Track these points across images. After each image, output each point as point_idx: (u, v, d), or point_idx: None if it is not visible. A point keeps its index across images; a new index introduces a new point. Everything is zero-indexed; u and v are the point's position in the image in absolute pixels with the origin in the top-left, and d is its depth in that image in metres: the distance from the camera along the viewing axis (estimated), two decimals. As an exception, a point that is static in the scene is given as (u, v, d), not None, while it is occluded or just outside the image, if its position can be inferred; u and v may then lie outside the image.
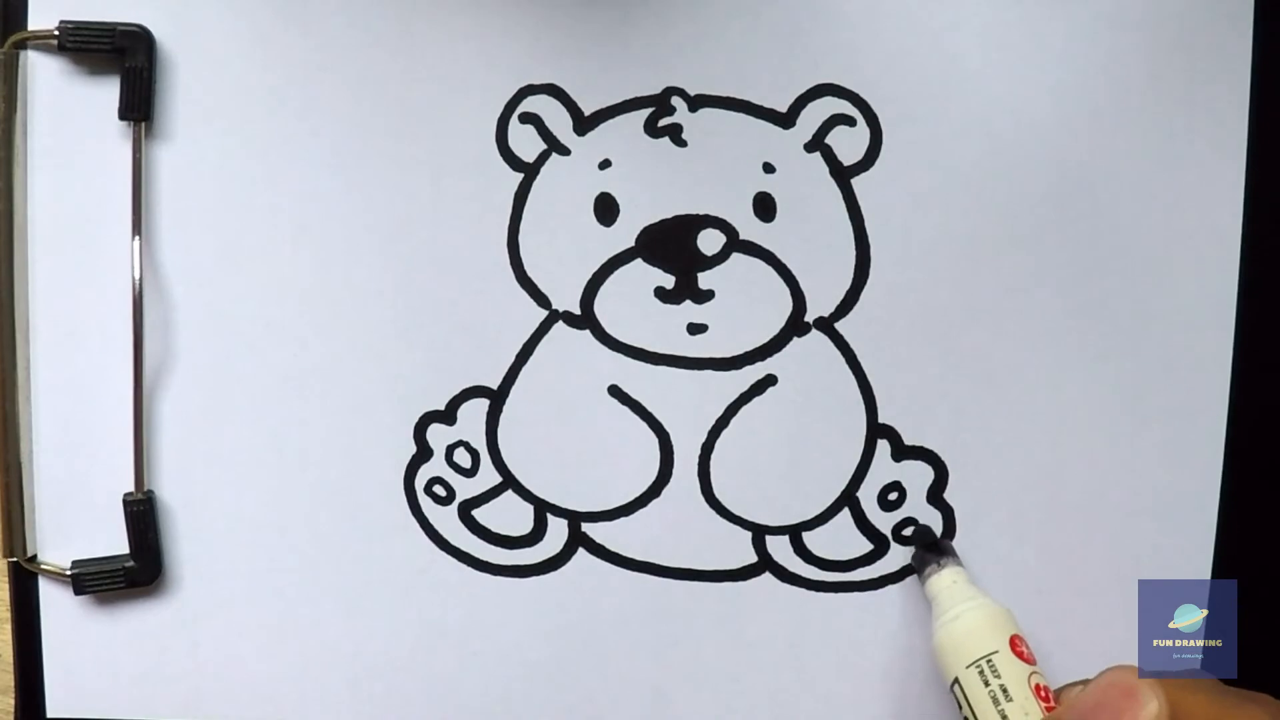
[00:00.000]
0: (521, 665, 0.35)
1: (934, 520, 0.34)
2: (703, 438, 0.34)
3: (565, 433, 0.34)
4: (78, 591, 0.33)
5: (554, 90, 0.33)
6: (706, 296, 0.33)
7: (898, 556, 0.34)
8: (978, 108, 0.33)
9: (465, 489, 0.34)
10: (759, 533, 0.34)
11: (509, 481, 0.34)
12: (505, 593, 0.34)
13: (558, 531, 0.34)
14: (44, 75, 0.33)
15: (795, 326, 0.33)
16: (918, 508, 0.34)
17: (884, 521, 0.34)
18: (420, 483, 0.34)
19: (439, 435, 0.34)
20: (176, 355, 0.34)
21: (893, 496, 0.34)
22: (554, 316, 0.34)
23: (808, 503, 0.34)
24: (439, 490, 0.34)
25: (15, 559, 0.34)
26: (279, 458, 0.34)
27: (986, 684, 0.30)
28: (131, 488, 0.33)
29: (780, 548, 0.34)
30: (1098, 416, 0.33)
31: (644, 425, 0.34)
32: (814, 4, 0.32)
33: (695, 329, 0.33)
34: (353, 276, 0.33)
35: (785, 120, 0.33)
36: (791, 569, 0.34)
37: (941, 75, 0.33)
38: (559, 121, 0.33)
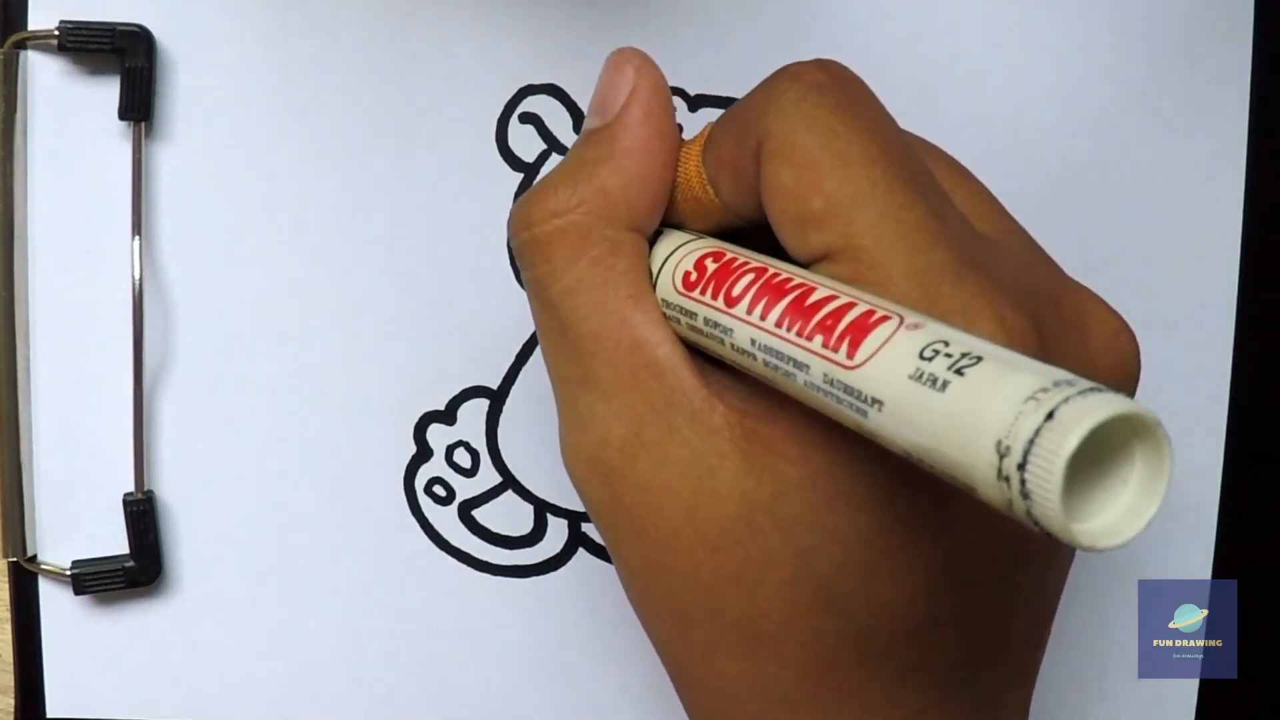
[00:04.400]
0: (521, 665, 0.35)
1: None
2: (703, 438, 0.34)
3: (565, 433, 0.34)
4: (78, 591, 0.33)
5: (554, 90, 0.33)
6: (706, 296, 0.33)
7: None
8: (978, 108, 0.33)
9: (465, 489, 0.34)
10: (759, 533, 0.34)
11: (509, 481, 0.34)
12: (505, 593, 0.34)
13: (558, 531, 0.34)
14: (44, 75, 0.33)
15: (795, 326, 0.33)
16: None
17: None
18: (420, 483, 0.34)
19: (439, 435, 0.34)
20: (176, 355, 0.34)
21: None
22: (554, 316, 0.33)
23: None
24: (439, 490, 0.34)
25: (15, 559, 0.34)
26: (279, 458, 0.34)
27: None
28: (131, 488, 0.33)
29: (780, 548, 0.34)
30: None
31: (644, 425, 0.34)
32: (814, 4, 0.32)
33: (695, 329, 0.33)
34: (353, 276, 0.33)
35: (785, 120, 0.33)
36: (791, 569, 0.34)
37: (941, 75, 0.33)
38: (559, 121, 0.33)
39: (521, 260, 0.23)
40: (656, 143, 0.22)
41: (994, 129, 0.33)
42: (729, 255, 0.21)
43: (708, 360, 0.22)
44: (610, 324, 0.21)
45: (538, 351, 0.34)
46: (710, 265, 0.21)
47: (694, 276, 0.21)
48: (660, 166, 0.22)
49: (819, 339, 0.18)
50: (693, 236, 0.23)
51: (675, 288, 0.21)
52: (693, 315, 0.21)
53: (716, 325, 0.20)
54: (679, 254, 0.22)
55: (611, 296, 0.21)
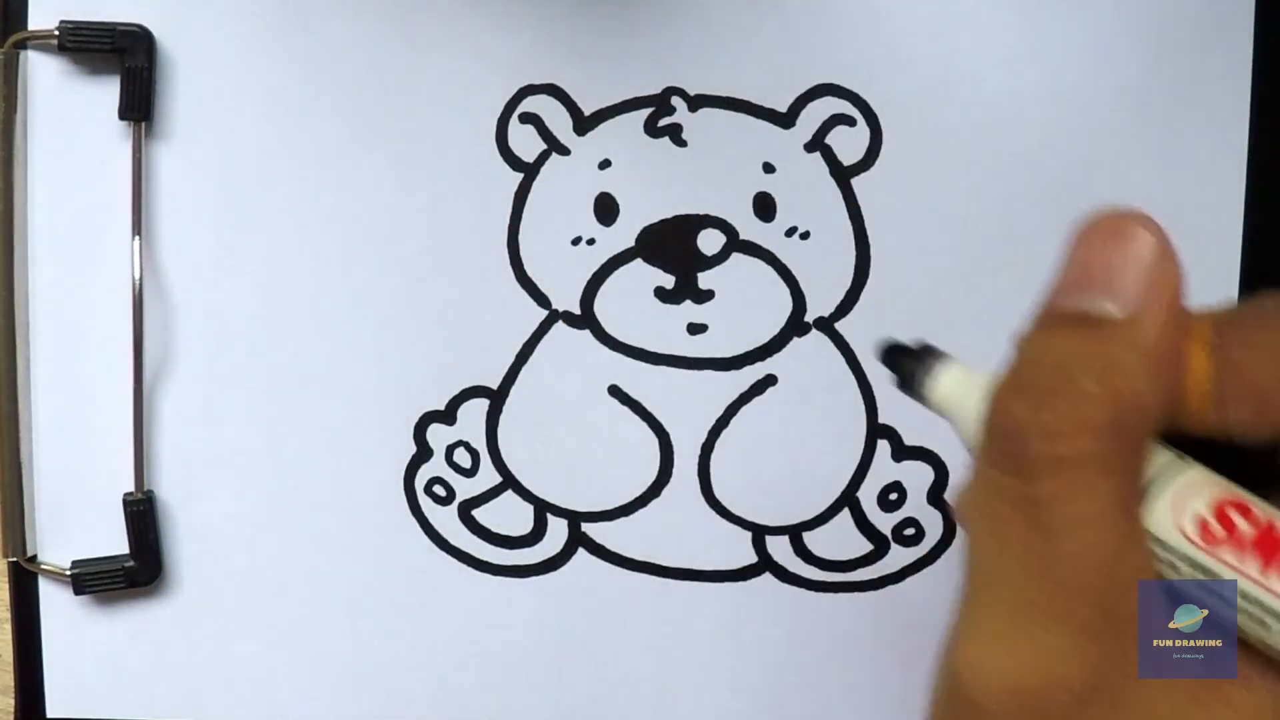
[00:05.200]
0: (521, 665, 0.35)
1: (934, 521, 0.34)
2: (703, 438, 0.34)
3: (565, 433, 0.34)
4: (78, 591, 0.33)
5: (554, 90, 0.33)
6: (706, 296, 0.33)
7: (898, 557, 0.34)
8: (978, 108, 0.33)
9: (465, 489, 0.34)
10: (759, 533, 0.34)
11: (509, 481, 0.34)
12: (505, 593, 0.34)
13: (558, 531, 0.34)
14: (44, 75, 0.33)
15: (795, 326, 0.33)
16: (918, 508, 0.34)
17: (884, 522, 0.34)
18: (420, 483, 0.34)
19: (439, 435, 0.34)
20: (176, 355, 0.34)
21: (893, 497, 0.34)
22: (554, 316, 0.34)
23: (808, 503, 0.34)
24: (439, 490, 0.34)
25: (15, 559, 0.34)
26: (279, 458, 0.34)
27: None
28: (131, 488, 0.33)
29: (780, 548, 0.34)
30: (1098, 416, 0.33)
31: (644, 425, 0.34)
32: (814, 4, 0.32)
33: (695, 329, 0.33)
34: (352, 276, 0.33)
35: (785, 120, 0.33)
36: (791, 569, 0.34)
37: (941, 75, 0.33)
38: (559, 121, 0.33)
39: (1009, 466, 0.18)
40: (1181, 345, 0.18)
41: (994, 129, 0.33)
42: (1255, 510, 0.18)
43: None
44: (1107, 558, 0.17)
45: (538, 351, 0.34)
46: (1239, 521, 0.18)
47: (1217, 530, 0.18)
48: (1178, 375, 0.18)
49: None
50: (1174, 455, 0.19)
51: (1185, 533, 0.18)
52: (1204, 569, 0.18)
53: (1259, 604, 0.17)
54: (1174, 483, 0.18)
55: (1114, 530, 0.17)
